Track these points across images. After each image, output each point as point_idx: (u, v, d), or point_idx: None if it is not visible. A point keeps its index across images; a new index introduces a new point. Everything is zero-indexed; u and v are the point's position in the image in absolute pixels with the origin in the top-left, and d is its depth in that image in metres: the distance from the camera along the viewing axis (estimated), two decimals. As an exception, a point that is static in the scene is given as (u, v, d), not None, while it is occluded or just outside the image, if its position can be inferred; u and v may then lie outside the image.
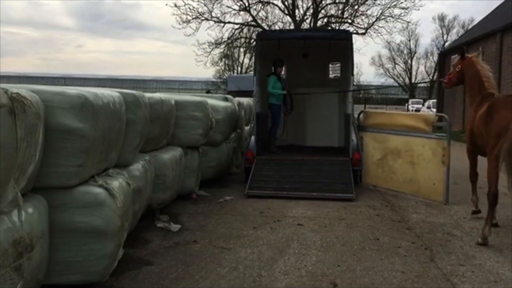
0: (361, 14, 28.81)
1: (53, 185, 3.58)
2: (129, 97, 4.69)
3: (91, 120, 3.65)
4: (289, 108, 10.14)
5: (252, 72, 11.37)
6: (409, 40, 62.89)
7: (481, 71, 6.47)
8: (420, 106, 46.90)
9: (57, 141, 3.51)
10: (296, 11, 29.39)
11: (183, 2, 27.43)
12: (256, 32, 22.52)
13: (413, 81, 63.86)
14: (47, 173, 3.50)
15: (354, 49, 9.56)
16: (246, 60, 44.21)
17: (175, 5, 26.96)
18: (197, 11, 27.27)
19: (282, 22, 30.79)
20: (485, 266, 4.76)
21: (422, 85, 63.43)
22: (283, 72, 10.41)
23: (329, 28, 27.84)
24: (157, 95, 6.07)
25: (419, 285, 4.24)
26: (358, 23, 28.96)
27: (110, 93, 4.23)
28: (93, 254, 3.67)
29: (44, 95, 3.44)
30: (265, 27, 29.39)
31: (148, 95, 5.60)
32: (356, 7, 28.74)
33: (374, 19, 28.40)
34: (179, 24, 27.33)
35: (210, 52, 30.04)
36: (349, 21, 29.10)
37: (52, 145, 3.48)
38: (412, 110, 41.36)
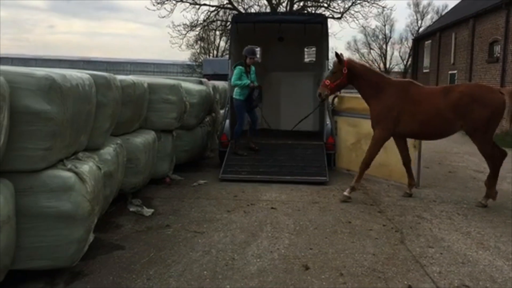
0: (337, -2, 28.76)
1: (19, 169, 3.49)
2: (99, 79, 4.59)
3: (59, 103, 3.55)
4: (256, 103, 9.06)
5: (227, 56, 11.26)
6: (384, 26, 63.12)
7: (366, 66, 7.22)
8: (394, 91, 47.37)
9: (23, 124, 3.42)
10: (273, -6, 29.17)
11: (158, -19, 26.67)
12: (232, 15, 22.30)
13: (387, 66, 64.39)
14: (13, 157, 3.41)
15: (329, 34, 9.57)
16: (222, 43, 43.78)
17: (149, -15, 26.42)
18: (172, -9, 26.75)
19: (258, 5, 30.51)
20: (453, 248, 4.88)
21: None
22: (258, 56, 10.25)
23: (305, 12, 27.73)
24: (130, 78, 5.96)
25: (389, 267, 4.32)
26: (334, 8, 28.92)
27: (80, 75, 4.12)
28: (62, 239, 3.61)
29: (9, 76, 3.34)
30: (241, 10, 29.11)
31: (120, 77, 5.49)
32: (332, -9, 28.66)
33: (350, 4, 28.37)
34: (153, 5, 26.87)
35: (185, 34, 29.60)
36: (325, 5, 29.03)
37: (19, 128, 3.39)
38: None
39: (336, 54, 6.86)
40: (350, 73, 6.85)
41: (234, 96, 8.89)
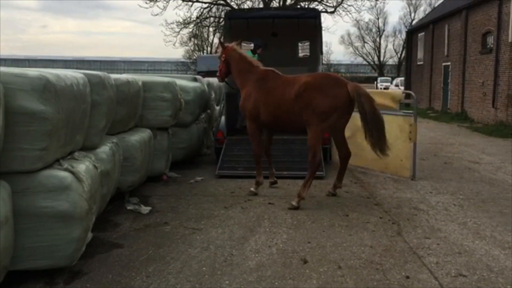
0: (330, -8, 28.76)
1: (16, 169, 3.49)
2: (93, 78, 4.58)
3: (53, 102, 3.55)
4: None
5: (221, 52, 11.23)
6: (378, 19, 63.32)
7: (244, 54, 6.93)
8: (388, 84, 47.59)
9: (19, 125, 3.42)
10: (266, -11, 29.12)
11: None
12: (225, 11, 22.21)
13: (381, 59, 64.46)
14: (9, 158, 3.41)
15: (323, 28, 9.58)
16: (216, 40, 43.79)
17: (141, -18, 26.34)
18: (165, -12, 26.68)
19: (251, 1, 30.51)
20: (450, 238, 4.91)
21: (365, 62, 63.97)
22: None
23: (298, 6, 27.70)
24: (124, 76, 5.95)
25: (386, 259, 4.35)
26: (327, 2, 28.98)
27: (74, 74, 4.12)
28: (60, 239, 3.61)
29: (3, 77, 3.34)
30: (234, 6, 29.05)
31: (114, 76, 5.49)
32: (325, -15, 28.67)
33: (342, -3, 28.42)
34: (146, 3, 26.73)
35: (179, 32, 29.65)
36: (318, -1, 29.04)
37: (14, 128, 3.39)
38: (381, 88, 41.90)
39: (219, 41, 6.92)
40: (227, 61, 6.87)
41: None
